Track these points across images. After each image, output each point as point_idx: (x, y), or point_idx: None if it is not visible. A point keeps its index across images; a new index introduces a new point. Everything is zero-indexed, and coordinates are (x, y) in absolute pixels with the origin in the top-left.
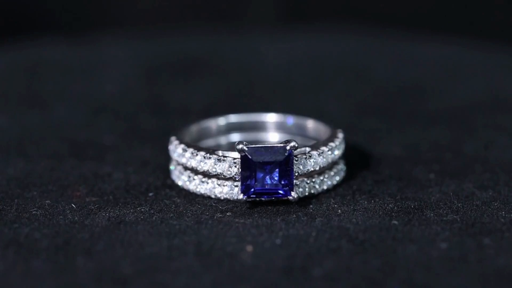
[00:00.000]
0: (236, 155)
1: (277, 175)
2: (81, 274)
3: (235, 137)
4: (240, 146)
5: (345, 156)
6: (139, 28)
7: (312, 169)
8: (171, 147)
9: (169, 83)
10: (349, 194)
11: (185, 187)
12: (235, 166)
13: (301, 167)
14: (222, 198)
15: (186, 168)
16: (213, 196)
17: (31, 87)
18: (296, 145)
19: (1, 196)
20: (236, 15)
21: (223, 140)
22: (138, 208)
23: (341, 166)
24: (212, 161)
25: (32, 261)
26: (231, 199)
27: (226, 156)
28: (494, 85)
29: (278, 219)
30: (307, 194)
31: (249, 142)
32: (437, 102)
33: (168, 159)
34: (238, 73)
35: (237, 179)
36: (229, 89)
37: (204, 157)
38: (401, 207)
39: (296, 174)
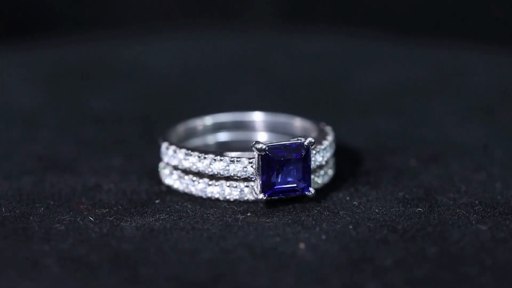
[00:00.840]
0: (249, 155)
1: (296, 172)
2: (156, 284)
3: (222, 136)
4: (260, 145)
5: None
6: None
7: (319, 164)
8: (168, 152)
9: (85, 91)
10: (350, 186)
11: (187, 191)
12: (251, 166)
13: (312, 162)
14: (231, 199)
15: (187, 172)
16: (222, 199)
17: None
18: (313, 141)
19: (10, 214)
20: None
21: (210, 139)
22: (157, 216)
23: (334, 161)
24: (223, 163)
25: (98, 276)
26: (242, 200)
27: (240, 157)
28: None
29: (303, 216)
30: (315, 188)
31: (237, 142)
32: (354, 92)
33: (145, 165)
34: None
35: (253, 179)
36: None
37: (214, 160)
38: (411, 194)
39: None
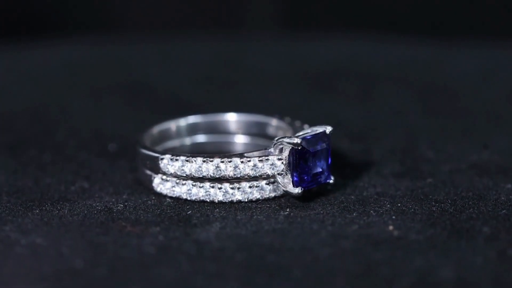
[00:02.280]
0: (274, 152)
1: (324, 161)
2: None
3: (198, 138)
4: (295, 140)
5: None
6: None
7: None
8: (177, 163)
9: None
10: (352, 184)
11: (207, 199)
12: (281, 162)
13: None
14: (254, 199)
15: (202, 180)
16: (245, 200)
17: None
18: (332, 128)
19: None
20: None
21: (187, 141)
22: (190, 226)
23: None
24: (251, 163)
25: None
26: (262, 198)
27: (268, 155)
28: None
29: (332, 209)
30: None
31: (211, 143)
32: None
33: (125, 175)
34: None
35: (283, 174)
36: None
37: (242, 162)
38: (419, 192)
39: None
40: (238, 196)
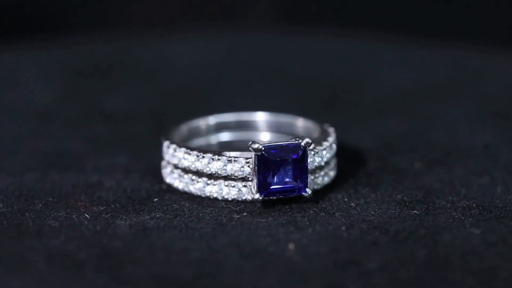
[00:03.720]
0: (247, 155)
1: (293, 172)
2: (141, 283)
3: (225, 136)
4: (256, 145)
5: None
6: (53, 35)
7: (318, 164)
8: (168, 151)
9: (99, 89)
10: (350, 188)
11: (186, 190)
12: (248, 166)
13: (310, 163)
14: (229, 199)
15: (186, 171)
16: (220, 198)
17: None
18: (310, 142)
19: (8, 210)
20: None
21: (213, 139)
22: (153, 214)
23: (335, 161)
24: (221, 163)
25: (84, 273)
26: (240, 199)
27: (237, 157)
28: (415, 75)
29: (299, 216)
30: (312, 190)
31: (240, 142)
32: (369, 94)
33: (149, 163)
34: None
35: (250, 178)
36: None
37: (212, 159)
38: (410, 197)
39: (309, 170)
40: (213, 193)
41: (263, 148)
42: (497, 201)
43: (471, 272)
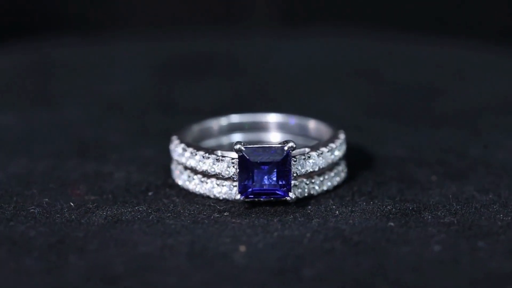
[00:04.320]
0: (235, 155)
1: (275, 175)
2: (72, 273)
3: (237, 137)
4: (238, 146)
5: (347, 157)
6: (148, 27)
7: (311, 169)
8: (171, 147)
9: (179, 83)
10: (349, 196)
11: (185, 186)
12: (233, 166)
13: (299, 167)
14: (221, 198)
15: (185, 167)
16: (212, 196)
17: (42, 86)
18: (294, 146)
19: (0, 193)
20: (240, 16)
21: (224, 140)
22: (136, 207)
23: (342, 167)
24: (210, 161)
25: (24, 259)
26: (230, 199)
27: (224, 156)
28: (502, 87)
29: (275, 220)
30: (306, 195)
31: (251, 142)
32: (444, 104)
33: (170, 158)
34: (246, 74)
35: (235, 179)
36: (237, 90)
37: (203, 157)
38: (399, 208)
39: (295, 174)
40: (206, 191)
41: (244, 149)
42: (484, 220)
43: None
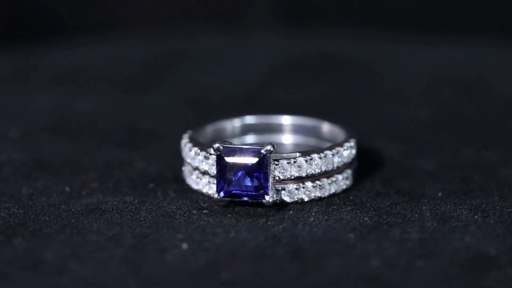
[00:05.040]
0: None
1: (250, 177)
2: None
3: (249, 138)
4: (216, 145)
5: (352, 164)
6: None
7: (297, 175)
8: (181, 142)
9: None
10: (337, 204)
11: (186, 182)
12: (213, 164)
13: (282, 171)
14: (211, 195)
15: (186, 163)
16: (204, 193)
17: (145, 74)
18: (272, 149)
19: (10, 173)
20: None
21: (236, 142)
22: (126, 198)
23: (344, 175)
24: (200, 158)
25: None
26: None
27: (211, 154)
28: None
29: (244, 221)
30: (292, 199)
31: (263, 145)
32: None
33: None
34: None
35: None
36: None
37: (196, 153)
38: (374, 221)
39: (277, 178)
40: (195, 186)
41: (221, 148)
42: (442, 241)
43: None
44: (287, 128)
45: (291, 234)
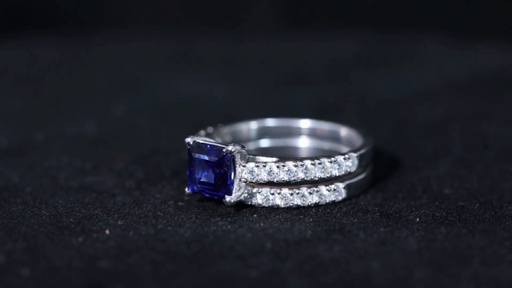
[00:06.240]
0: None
1: (213, 175)
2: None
3: (265, 142)
4: (189, 139)
5: (349, 177)
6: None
7: (268, 179)
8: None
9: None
10: (308, 215)
11: None
12: None
13: (250, 175)
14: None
15: None
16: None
17: None
18: (233, 151)
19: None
20: None
21: (251, 145)
22: (125, 182)
23: (332, 187)
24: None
25: None
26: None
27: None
28: None
29: (200, 219)
30: (268, 204)
31: (278, 148)
32: None
33: None
34: None
35: None
36: None
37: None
38: (333, 231)
39: (244, 180)
40: None
41: (191, 142)
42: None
43: None
44: (305, 132)
45: (226, 237)
